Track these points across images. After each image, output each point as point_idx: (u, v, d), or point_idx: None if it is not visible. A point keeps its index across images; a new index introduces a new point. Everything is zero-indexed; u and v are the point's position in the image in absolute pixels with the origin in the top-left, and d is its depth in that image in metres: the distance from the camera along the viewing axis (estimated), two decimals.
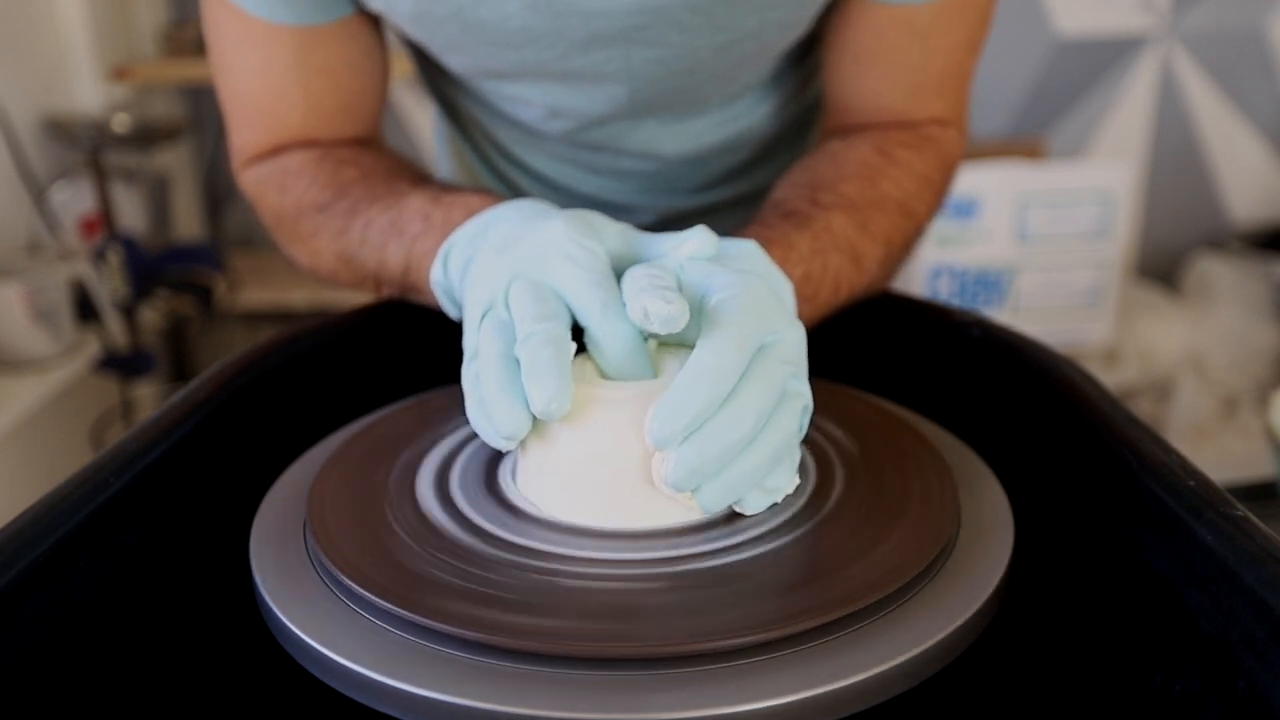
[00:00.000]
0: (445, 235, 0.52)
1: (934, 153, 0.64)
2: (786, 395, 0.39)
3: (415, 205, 0.57)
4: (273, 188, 0.64)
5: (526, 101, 0.66)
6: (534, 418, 0.39)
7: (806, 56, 0.71)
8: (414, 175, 0.63)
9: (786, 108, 0.74)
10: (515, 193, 0.78)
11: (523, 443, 0.41)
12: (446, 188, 0.59)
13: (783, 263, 0.52)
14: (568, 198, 0.76)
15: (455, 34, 0.59)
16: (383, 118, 0.69)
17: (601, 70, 0.61)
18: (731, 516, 0.41)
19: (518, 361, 0.40)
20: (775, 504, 0.41)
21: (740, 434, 0.38)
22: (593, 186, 0.75)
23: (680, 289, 0.41)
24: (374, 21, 0.64)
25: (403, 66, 1.22)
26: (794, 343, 0.40)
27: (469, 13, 0.57)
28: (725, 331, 0.38)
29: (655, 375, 0.42)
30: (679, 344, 0.44)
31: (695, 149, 0.71)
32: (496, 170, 0.79)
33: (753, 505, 0.40)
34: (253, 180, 0.65)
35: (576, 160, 0.73)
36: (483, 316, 0.43)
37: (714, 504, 0.39)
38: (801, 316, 0.53)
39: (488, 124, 0.74)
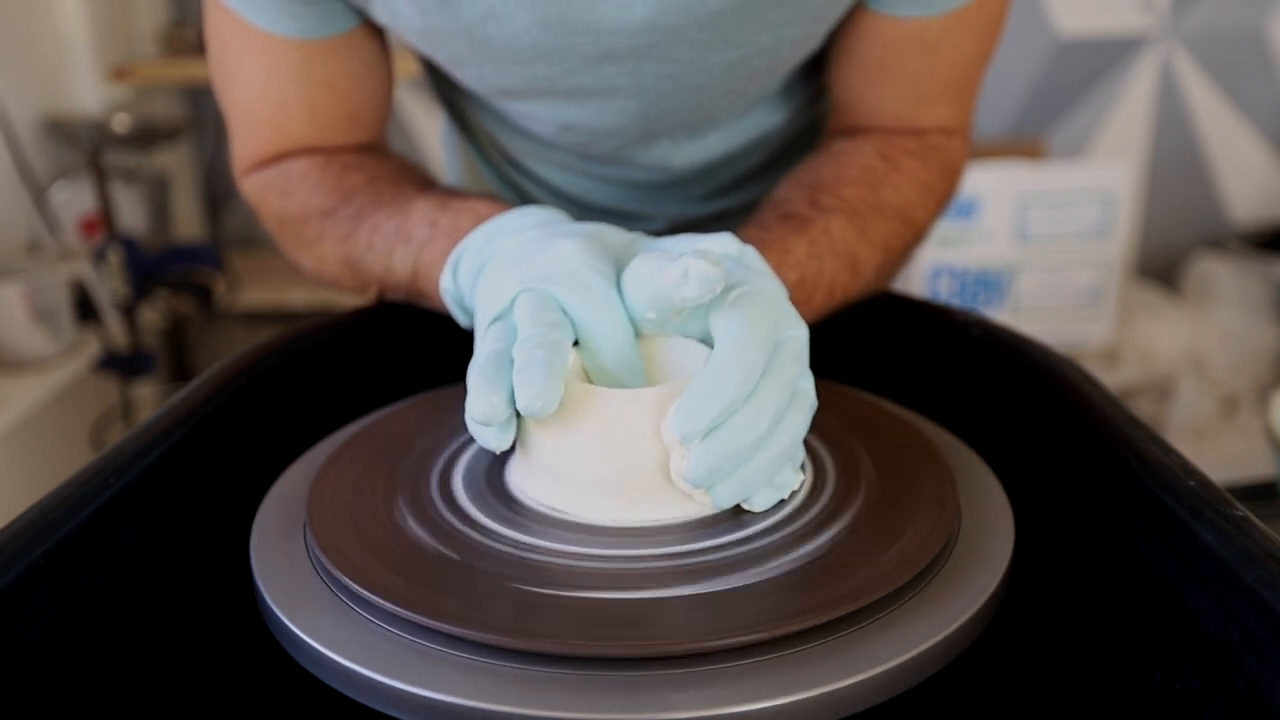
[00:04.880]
0: (453, 243, 0.52)
1: (938, 161, 0.64)
2: (796, 394, 0.40)
3: (422, 211, 0.56)
4: (275, 193, 0.63)
5: (536, 118, 0.66)
6: (518, 412, 0.40)
7: (819, 69, 0.70)
8: (419, 180, 0.63)
9: (799, 117, 0.73)
10: (525, 200, 0.78)
11: (525, 439, 0.41)
12: (453, 193, 0.58)
13: (778, 267, 0.52)
14: (578, 207, 0.75)
15: (464, 50, 0.58)
16: (388, 123, 0.68)
17: (612, 86, 0.60)
18: (731, 514, 0.41)
19: (512, 361, 0.40)
20: (782, 500, 0.41)
21: (758, 432, 0.38)
22: (603, 196, 0.75)
23: None
24: (378, 32, 0.63)
25: (406, 68, 1.22)
26: (803, 341, 0.41)
27: (478, 29, 0.56)
28: (747, 327, 0.39)
29: (645, 378, 0.43)
30: (669, 336, 0.44)
31: (706, 159, 0.71)
32: (506, 178, 0.78)
33: (761, 502, 0.40)
34: (255, 186, 0.65)
35: (587, 171, 0.73)
36: (490, 324, 0.43)
37: (726, 501, 0.39)
38: None
39: (497, 135, 0.74)
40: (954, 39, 0.61)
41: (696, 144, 0.69)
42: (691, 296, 0.38)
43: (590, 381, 0.43)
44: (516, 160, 0.75)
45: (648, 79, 0.60)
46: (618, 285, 0.43)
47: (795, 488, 0.42)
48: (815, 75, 0.71)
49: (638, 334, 0.43)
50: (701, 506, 0.40)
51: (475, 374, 0.40)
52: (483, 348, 0.41)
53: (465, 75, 0.62)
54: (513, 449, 0.43)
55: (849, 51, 0.63)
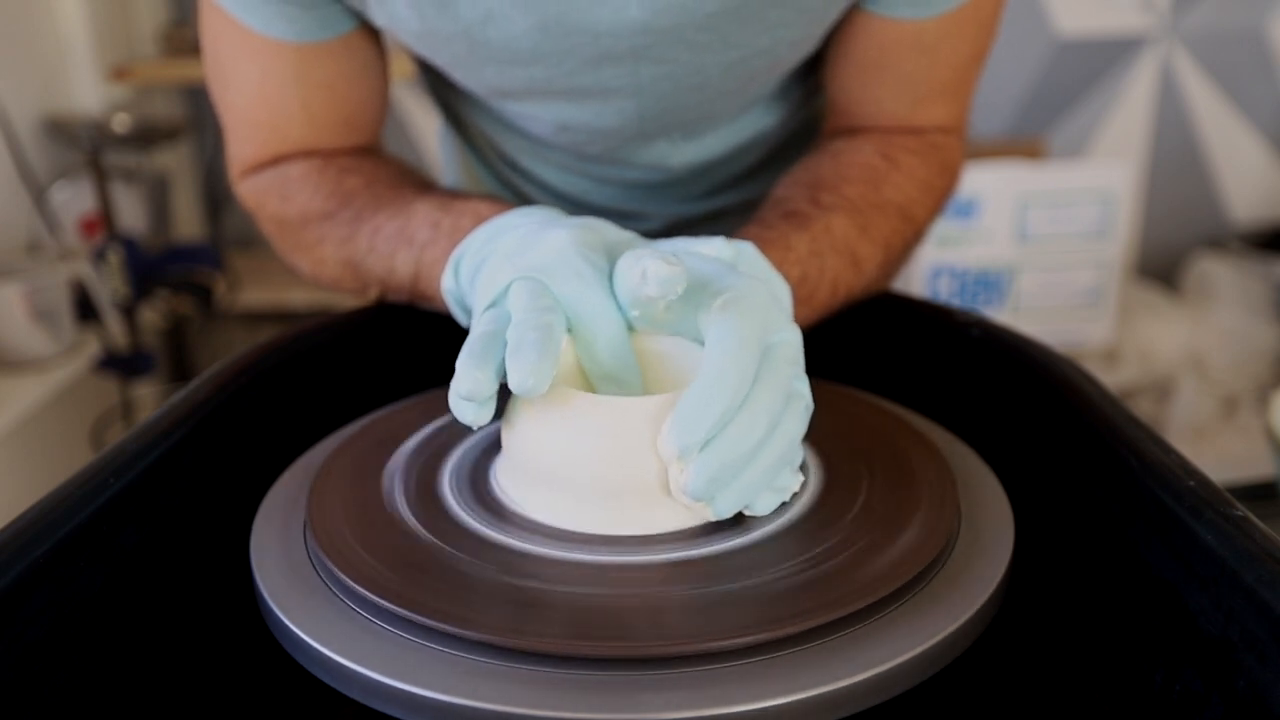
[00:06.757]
0: (455, 243, 0.52)
1: (937, 159, 0.64)
2: (791, 397, 0.40)
3: (423, 212, 0.56)
4: (274, 196, 0.63)
5: (533, 118, 0.66)
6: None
7: (815, 68, 0.70)
8: (419, 182, 0.63)
9: (795, 116, 0.73)
10: (522, 201, 0.78)
11: (521, 446, 0.41)
12: (454, 194, 0.58)
13: (780, 264, 0.52)
14: (575, 206, 0.75)
15: (463, 52, 0.58)
16: (384, 126, 0.68)
17: (610, 87, 0.60)
18: (732, 519, 0.41)
19: (504, 342, 0.40)
20: (784, 503, 0.41)
21: (755, 439, 0.38)
22: (600, 196, 0.75)
23: None
24: (375, 35, 0.63)
25: (403, 67, 1.22)
26: (795, 344, 0.41)
27: (477, 32, 0.56)
28: (736, 334, 0.38)
29: (639, 372, 0.43)
30: (665, 336, 0.44)
31: (704, 159, 0.71)
32: (503, 179, 0.78)
33: (763, 507, 0.40)
34: (251, 189, 0.65)
35: (584, 171, 0.73)
36: (484, 311, 0.43)
37: (728, 510, 0.39)
38: (798, 318, 0.53)
39: (494, 135, 0.74)
40: (951, 40, 0.61)
41: (694, 144, 0.69)
42: (653, 295, 0.39)
43: (585, 376, 0.43)
44: (513, 160, 0.75)
45: (645, 80, 0.60)
46: (610, 278, 0.43)
47: (796, 489, 0.42)
48: (810, 74, 0.71)
49: (631, 330, 0.43)
50: (702, 516, 0.40)
51: (464, 353, 0.40)
52: (474, 330, 0.41)
53: (463, 77, 0.62)
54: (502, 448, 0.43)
55: (846, 53, 0.63)
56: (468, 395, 0.39)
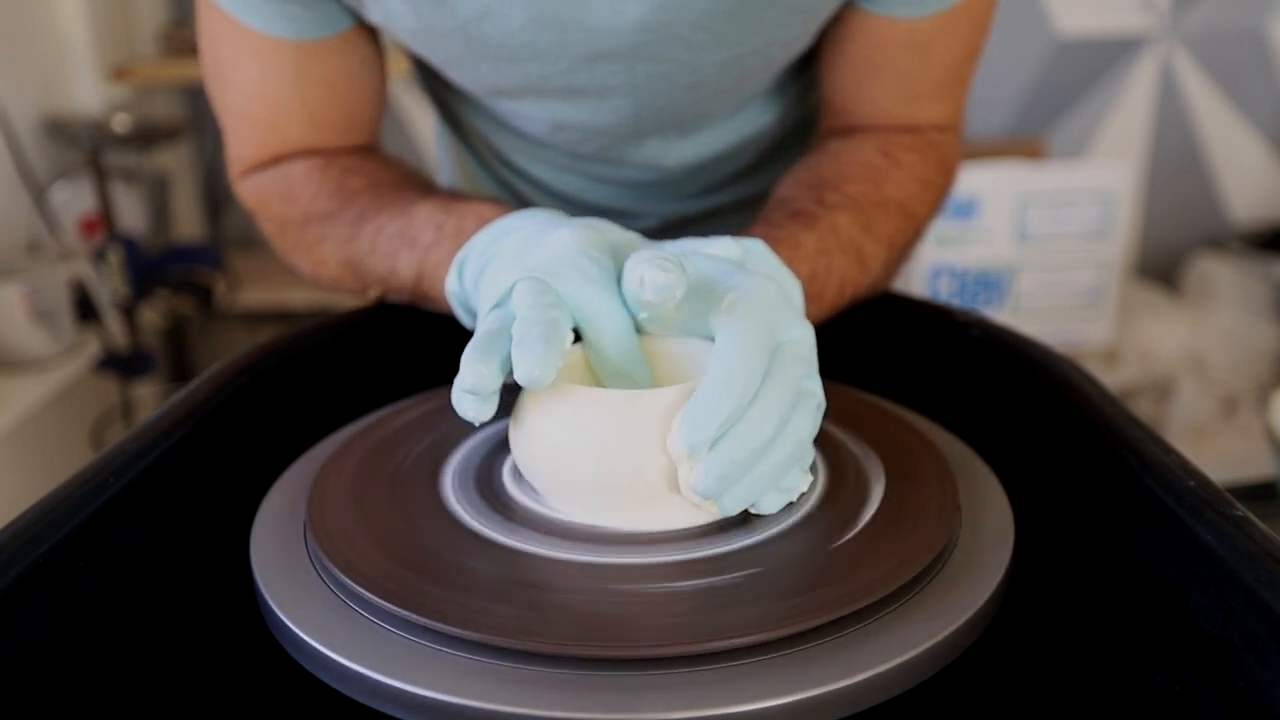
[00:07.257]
0: (458, 244, 0.52)
1: (935, 156, 0.64)
2: (802, 395, 0.40)
3: (425, 214, 0.56)
4: (276, 197, 0.63)
5: (529, 117, 0.66)
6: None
7: (809, 66, 0.71)
8: (421, 183, 0.63)
9: (790, 114, 0.74)
10: (518, 200, 0.78)
11: (526, 442, 0.41)
12: (456, 196, 0.58)
13: (790, 261, 0.52)
14: (571, 205, 0.76)
15: (459, 49, 0.58)
16: (382, 124, 0.68)
17: (605, 85, 0.60)
18: (738, 519, 0.41)
19: (509, 338, 0.40)
20: (790, 503, 0.41)
21: (764, 438, 0.38)
22: (596, 194, 0.75)
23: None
24: (372, 32, 0.63)
25: (401, 66, 1.22)
26: (806, 342, 0.41)
27: (473, 29, 0.56)
28: (744, 333, 0.38)
29: (649, 369, 0.43)
30: (676, 336, 0.44)
31: (699, 157, 0.71)
32: (499, 178, 0.78)
33: (769, 506, 0.40)
34: (253, 189, 0.65)
35: (580, 170, 0.73)
36: (489, 312, 0.43)
37: (734, 508, 0.39)
38: (808, 316, 0.53)
39: (490, 134, 0.74)
40: (945, 38, 0.61)
41: (689, 142, 0.69)
42: (652, 301, 0.39)
43: (594, 375, 0.43)
44: (509, 159, 0.75)
45: (641, 78, 0.60)
46: (617, 278, 0.43)
47: (804, 489, 0.42)
48: (804, 72, 0.71)
49: (641, 331, 0.43)
50: (709, 514, 0.40)
51: (469, 349, 0.40)
52: (479, 329, 0.41)
53: (459, 75, 0.62)
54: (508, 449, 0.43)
55: (841, 52, 0.64)
56: (471, 389, 0.39)
